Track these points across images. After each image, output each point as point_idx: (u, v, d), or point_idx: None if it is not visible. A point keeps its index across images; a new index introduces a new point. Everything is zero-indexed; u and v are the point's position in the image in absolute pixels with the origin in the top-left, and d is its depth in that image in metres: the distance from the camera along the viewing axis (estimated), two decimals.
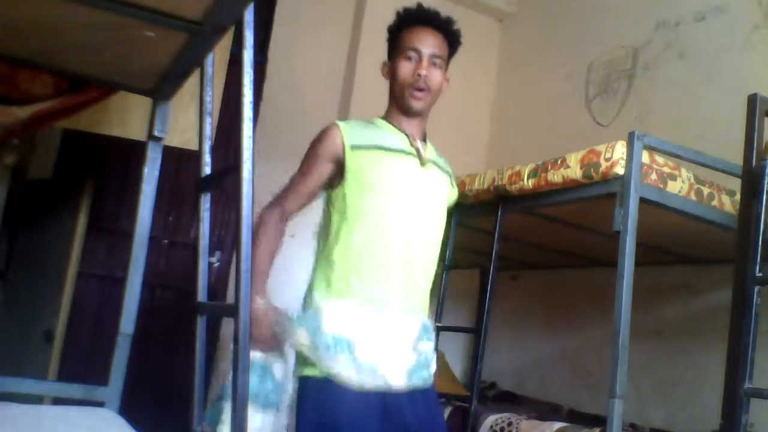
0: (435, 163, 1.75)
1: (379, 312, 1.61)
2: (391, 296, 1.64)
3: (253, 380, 1.54)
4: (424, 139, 1.78)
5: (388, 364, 1.58)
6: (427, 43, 1.70)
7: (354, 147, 1.66)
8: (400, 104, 1.74)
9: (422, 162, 1.71)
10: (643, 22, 3.11)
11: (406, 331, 1.64)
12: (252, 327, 1.41)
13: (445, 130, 3.95)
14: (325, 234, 1.71)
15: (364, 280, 1.62)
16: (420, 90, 1.70)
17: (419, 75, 1.69)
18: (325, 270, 1.65)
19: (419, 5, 1.76)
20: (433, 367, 1.73)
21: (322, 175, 1.70)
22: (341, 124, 1.71)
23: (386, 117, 1.78)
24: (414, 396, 1.63)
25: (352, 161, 1.65)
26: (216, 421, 1.55)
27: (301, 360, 1.61)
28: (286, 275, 2.01)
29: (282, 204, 1.72)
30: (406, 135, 1.73)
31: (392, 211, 1.65)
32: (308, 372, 1.59)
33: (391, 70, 1.75)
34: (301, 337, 1.58)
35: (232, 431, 1.30)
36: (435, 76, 1.71)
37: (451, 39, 1.76)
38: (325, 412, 1.56)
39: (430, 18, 1.73)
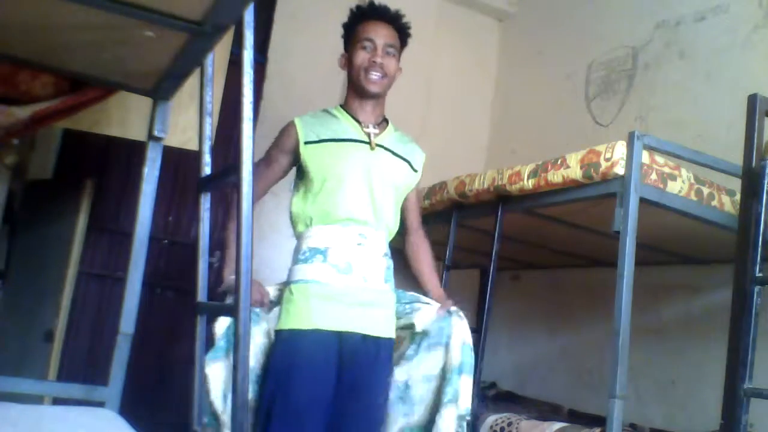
0: (387, 149, 1.90)
1: (345, 227, 1.81)
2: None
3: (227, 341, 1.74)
4: (381, 123, 1.93)
5: (363, 266, 1.79)
6: (381, 33, 1.88)
7: (307, 143, 1.86)
8: (357, 89, 1.90)
9: (372, 147, 1.87)
10: (643, 22, 3.11)
11: (374, 242, 1.84)
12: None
13: (445, 130, 3.99)
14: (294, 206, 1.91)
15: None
16: (376, 74, 1.86)
17: (374, 61, 1.85)
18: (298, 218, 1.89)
19: (371, 2, 1.93)
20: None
21: (282, 164, 1.92)
22: (297, 121, 1.89)
23: (344, 105, 1.95)
24: (368, 349, 1.77)
25: (305, 155, 1.86)
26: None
27: (281, 316, 1.79)
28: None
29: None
30: (359, 122, 1.90)
31: (342, 189, 1.82)
32: (280, 326, 1.77)
33: (348, 60, 1.92)
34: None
35: (231, 430, 1.30)
36: (389, 63, 1.88)
37: (402, 31, 1.93)
38: (287, 356, 1.74)
39: (381, 12, 1.91)
